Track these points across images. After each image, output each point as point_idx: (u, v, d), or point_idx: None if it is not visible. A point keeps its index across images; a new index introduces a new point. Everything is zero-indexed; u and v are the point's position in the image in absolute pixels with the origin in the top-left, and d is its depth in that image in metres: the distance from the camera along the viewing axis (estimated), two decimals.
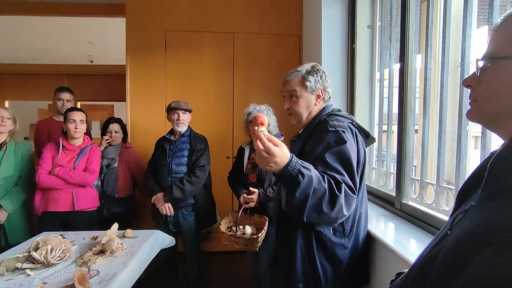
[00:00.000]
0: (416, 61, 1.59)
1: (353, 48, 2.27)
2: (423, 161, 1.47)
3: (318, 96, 1.30)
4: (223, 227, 1.88)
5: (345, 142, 1.13)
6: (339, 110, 1.32)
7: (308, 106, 1.29)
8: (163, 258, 2.29)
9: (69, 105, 2.72)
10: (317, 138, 1.19)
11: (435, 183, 1.38)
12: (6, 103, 3.44)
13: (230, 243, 1.82)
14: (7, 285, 1.28)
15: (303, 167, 0.99)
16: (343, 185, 1.05)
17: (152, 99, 2.90)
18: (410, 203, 1.52)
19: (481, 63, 0.56)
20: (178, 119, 2.27)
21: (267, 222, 1.89)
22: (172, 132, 2.39)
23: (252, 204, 2.03)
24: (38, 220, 2.23)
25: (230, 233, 1.83)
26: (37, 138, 2.75)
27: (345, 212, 1.06)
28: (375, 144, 2.11)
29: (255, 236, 1.75)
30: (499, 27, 0.55)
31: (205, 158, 2.31)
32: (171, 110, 2.30)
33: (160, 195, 2.24)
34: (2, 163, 2.14)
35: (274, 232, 1.45)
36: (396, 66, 1.73)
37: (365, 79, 2.26)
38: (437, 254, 0.53)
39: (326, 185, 1.02)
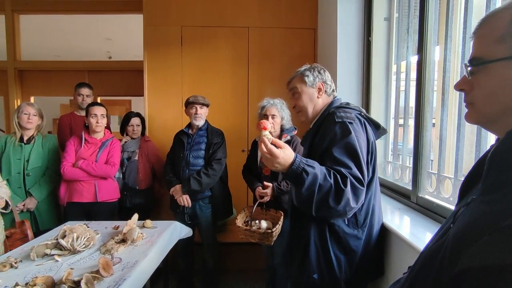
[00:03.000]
0: (435, 53, 1.56)
1: (369, 41, 2.24)
2: (441, 155, 1.45)
3: (319, 89, 1.34)
4: (239, 221, 1.92)
5: (350, 133, 1.15)
6: (347, 103, 1.34)
7: (311, 99, 1.34)
8: (180, 248, 2.37)
9: (88, 100, 2.82)
10: (325, 130, 1.23)
11: (453, 176, 1.37)
12: (32, 99, 3.57)
13: (245, 237, 1.86)
14: (38, 270, 1.37)
15: (307, 165, 1.05)
16: (349, 179, 1.08)
17: (169, 93, 2.96)
18: (427, 196, 1.51)
19: (469, 67, 0.57)
20: (196, 113, 2.32)
21: (282, 217, 1.91)
22: (189, 125, 2.44)
23: (267, 199, 2.06)
24: (64, 210, 2.35)
25: (245, 227, 1.86)
26: (60, 132, 2.86)
27: (352, 204, 1.08)
28: (391, 138, 2.09)
29: (269, 231, 1.78)
30: (481, 30, 0.56)
31: (221, 152, 2.35)
32: (189, 104, 2.35)
33: (178, 187, 2.30)
34: (31, 155, 2.27)
35: (288, 225, 1.48)
36: (414, 59, 1.70)
37: (381, 72, 2.23)
38: (440, 246, 0.55)
39: (331, 181, 1.06)
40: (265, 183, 2.07)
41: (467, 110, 0.60)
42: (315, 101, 1.35)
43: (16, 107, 2.45)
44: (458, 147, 1.33)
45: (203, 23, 2.93)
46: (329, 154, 1.14)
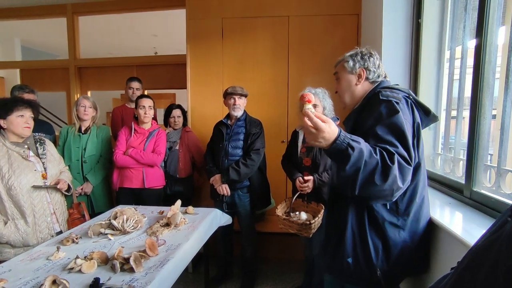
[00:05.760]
0: (498, 34, 1.38)
1: (418, 24, 2.07)
2: (502, 147, 1.30)
3: (359, 76, 1.29)
4: (279, 211, 1.92)
5: (397, 112, 1.08)
6: (396, 84, 1.27)
7: (349, 86, 1.31)
8: (220, 235, 2.45)
9: (138, 93, 3.01)
10: (369, 109, 1.17)
11: None
12: (89, 93, 3.92)
13: (284, 226, 1.86)
14: (94, 246, 1.52)
15: (352, 140, 0.99)
16: (396, 156, 1.01)
17: (210, 85, 3.04)
18: (483, 191, 1.37)
19: None
20: (234, 104, 2.36)
21: (323, 210, 1.88)
22: (228, 116, 2.48)
23: (308, 190, 2.04)
24: (116, 194, 2.57)
25: (284, 217, 1.86)
26: (113, 123, 3.11)
27: (399, 183, 1.01)
28: (441, 131, 1.93)
29: (308, 222, 1.76)
30: None
31: (260, 142, 2.37)
32: (227, 95, 2.40)
33: (218, 176, 2.37)
34: (87, 144, 2.50)
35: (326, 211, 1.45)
36: (472, 43, 1.53)
37: (432, 59, 2.05)
38: (494, 240, 0.52)
39: (378, 157, 1.00)
40: (306, 177, 2.04)
41: None
42: (352, 88, 1.31)
43: None
44: None
45: (243, 14, 2.94)
46: (373, 133, 1.09)
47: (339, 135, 0.99)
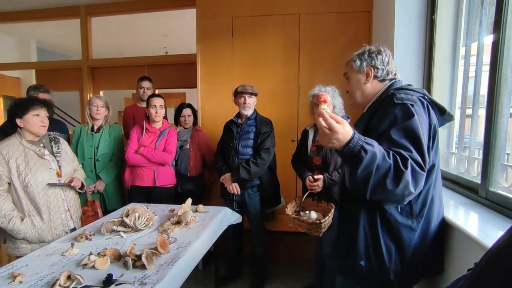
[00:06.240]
0: None
1: (432, 20, 2.02)
2: None
3: (367, 75, 1.27)
4: (289, 210, 1.92)
5: (413, 115, 1.06)
6: (409, 85, 1.24)
7: (358, 85, 1.30)
8: (230, 233, 2.46)
9: (149, 92, 3.05)
10: (383, 112, 1.14)
11: None
12: (101, 93, 3.99)
13: (294, 225, 1.85)
14: (107, 243, 1.55)
15: (366, 143, 0.98)
16: (410, 161, 0.99)
17: (220, 84, 3.05)
18: (500, 191, 1.33)
19: None
20: (245, 103, 2.36)
21: (333, 209, 1.86)
22: (239, 115, 2.49)
23: (318, 189, 2.02)
24: (128, 192, 2.60)
25: (294, 216, 1.86)
26: (125, 122, 3.15)
27: (412, 189, 1.00)
28: (456, 129, 1.88)
29: (318, 221, 1.75)
30: None
31: (270, 141, 2.37)
32: (237, 94, 2.40)
33: (228, 175, 2.38)
34: (100, 143, 2.54)
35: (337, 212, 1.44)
36: (488, 39, 1.49)
37: (447, 56, 2.00)
38: None
39: (391, 161, 0.98)
40: (316, 176, 2.03)
41: None
42: (361, 87, 1.29)
43: None
44: None
45: (253, 13, 2.94)
46: (387, 137, 1.07)
47: (353, 137, 0.98)
